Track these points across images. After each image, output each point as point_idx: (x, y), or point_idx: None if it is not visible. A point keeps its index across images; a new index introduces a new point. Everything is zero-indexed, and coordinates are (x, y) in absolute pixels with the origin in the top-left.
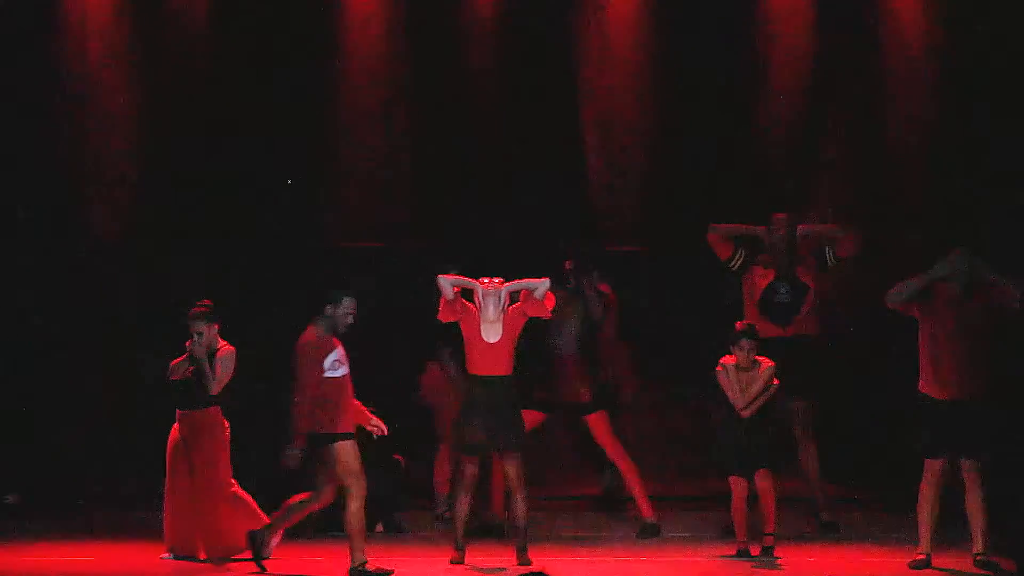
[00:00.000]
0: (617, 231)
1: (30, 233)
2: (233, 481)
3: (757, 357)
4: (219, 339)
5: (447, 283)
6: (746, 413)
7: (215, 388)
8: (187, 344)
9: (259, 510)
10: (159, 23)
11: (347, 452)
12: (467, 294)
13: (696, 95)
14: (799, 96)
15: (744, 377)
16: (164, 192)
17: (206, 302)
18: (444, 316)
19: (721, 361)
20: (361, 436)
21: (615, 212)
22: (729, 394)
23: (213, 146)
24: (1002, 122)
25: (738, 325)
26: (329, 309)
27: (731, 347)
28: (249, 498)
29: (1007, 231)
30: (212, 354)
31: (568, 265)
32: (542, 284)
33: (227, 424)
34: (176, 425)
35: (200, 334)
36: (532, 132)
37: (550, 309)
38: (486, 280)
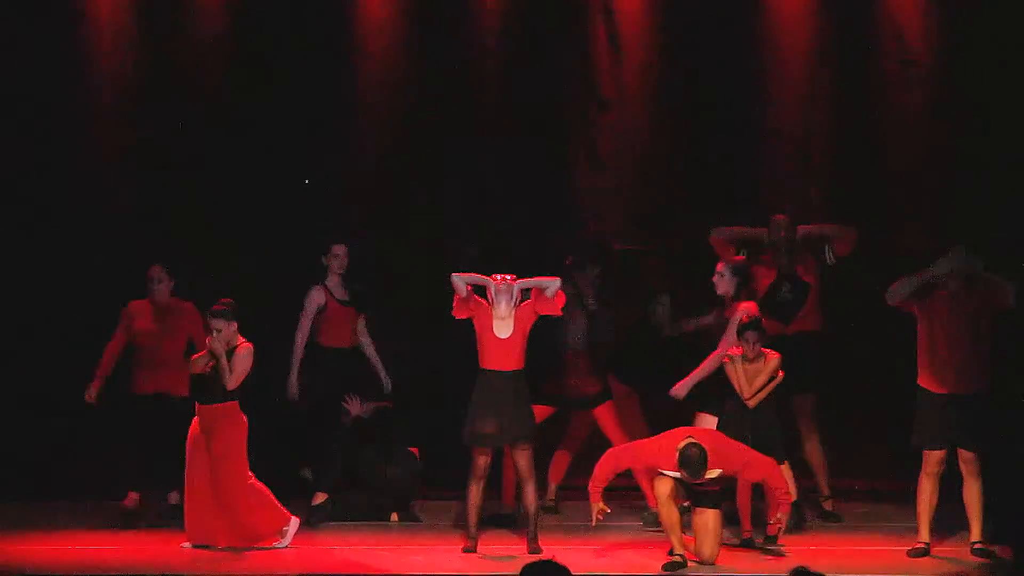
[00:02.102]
0: (620, 230)
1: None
2: (251, 473)
3: (763, 349)
4: (238, 336)
5: (461, 280)
6: (752, 403)
7: (231, 383)
8: (207, 340)
9: (276, 501)
10: (172, 23)
11: None
12: (480, 291)
13: (697, 95)
14: (799, 96)
15: (750, 368)
16: (167, 191)
17: (226, 300)
18: (458, 312)
19: (728, 352)
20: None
21: (617, 212)
22: (735, 385)
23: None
24: (1002, 121)
25: (744, 318)
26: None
27: (738, 339)
28: (266, 490)
29: (1005, 230)
30: (231, 351)
31: (568, 261)
32: (553, 282)
33: (245, 418)
34: (196, 418)
35: (219, 331)
36: (538, 131)
37: (560, 307)
38: (499, 277)
